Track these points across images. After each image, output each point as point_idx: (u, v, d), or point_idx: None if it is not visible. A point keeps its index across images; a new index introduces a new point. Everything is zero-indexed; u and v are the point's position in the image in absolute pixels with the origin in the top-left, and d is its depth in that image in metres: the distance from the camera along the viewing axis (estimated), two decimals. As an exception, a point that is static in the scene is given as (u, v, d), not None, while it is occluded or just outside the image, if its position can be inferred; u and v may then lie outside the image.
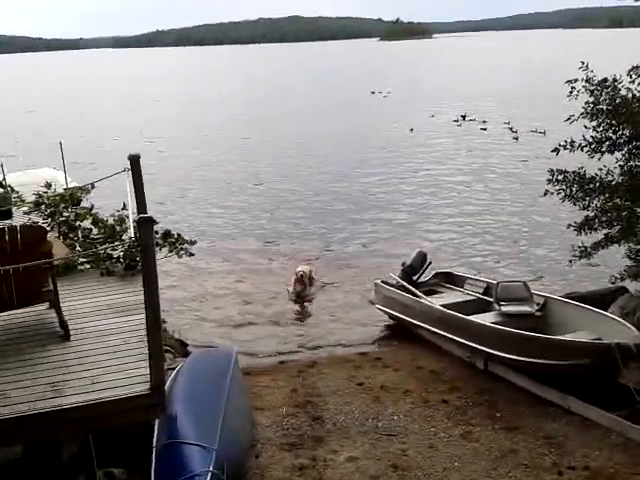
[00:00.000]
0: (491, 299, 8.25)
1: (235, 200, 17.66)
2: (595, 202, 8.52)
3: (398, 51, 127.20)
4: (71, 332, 5.40)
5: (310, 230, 14.71)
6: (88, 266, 7.07)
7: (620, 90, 8.18)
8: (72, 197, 7.98)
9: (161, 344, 4.64)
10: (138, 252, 6.01)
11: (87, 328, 5.55)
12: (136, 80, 71.34)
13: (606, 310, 7.80)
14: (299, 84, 58.02)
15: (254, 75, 73.60)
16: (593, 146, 8.39)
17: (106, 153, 23.54)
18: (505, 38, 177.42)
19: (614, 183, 8.39)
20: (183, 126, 33.15)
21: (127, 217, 7.30)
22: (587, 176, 8.46)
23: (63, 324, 5.42)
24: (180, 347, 8.50)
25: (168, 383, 5.68)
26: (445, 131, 28.24)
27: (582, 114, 8.31)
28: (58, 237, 7.28)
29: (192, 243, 7.47)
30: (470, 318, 7.73)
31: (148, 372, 4.63)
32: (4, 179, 9.77)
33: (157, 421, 5.19)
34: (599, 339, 6.82)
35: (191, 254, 7.46)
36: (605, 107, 8.18)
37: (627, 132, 8.24)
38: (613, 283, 8.84)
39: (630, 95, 8.16)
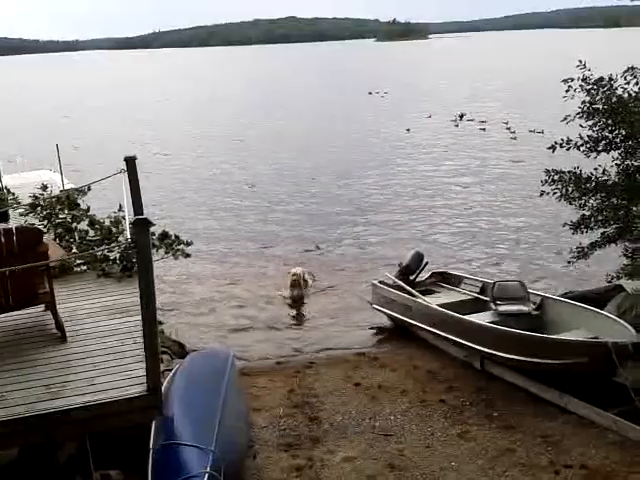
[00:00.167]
0: (487, 298, 8.26)
1: (230, 202, 17.62)
2: (591, 201, 8.54)
3: (395, 52, 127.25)
4: (68, 334, 5.40)
5: (306, 231, 14.70)
6: (85, 268, 7.06)
7: (616, 89, 8.20)
8: (68, 199, 7.97)
9: (158, 345, 4.64)
10: (134, 253, 6.01)
11: (84, 330, 5.55)
12: (133, 82, 71.30)
13: (602, 309, 7.82)
14: (296, 85, 58.05)
15: (251, 76, 73.62)
16: (589, 145, 8.41)
17: (102, 155, 23.52)
18: (501, 38, 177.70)
19: (610, 182, 8.42)
20: (179, 128, 33.14)
21: (123, 218, 7.30)
22: (583, 176, 8.49)
23: (60, 326, 5.41)
24: (177, 349, 8.50)
25: (165, 384, 5.68)
26: (442, 131, 28.27)
27: (578, 113, 8.34)
28: (54, 239, 7.28)
29: (188, 244, 7.45)
30: (467, 318, 7.74)
31: (145, 374, 4.63)
32: (0, 181, 9.76)
33: (154, 422, 5.19)
34: (596, 338, 6.84)
35: (187, 255, 7.45)
36: (601, 106, 8.20)
37: (623, 131, 8.27)
38: (609, 282, 8.86)
39: (626, 95, 8.19)
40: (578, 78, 8.22)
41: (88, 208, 7.90)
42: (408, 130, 28.56)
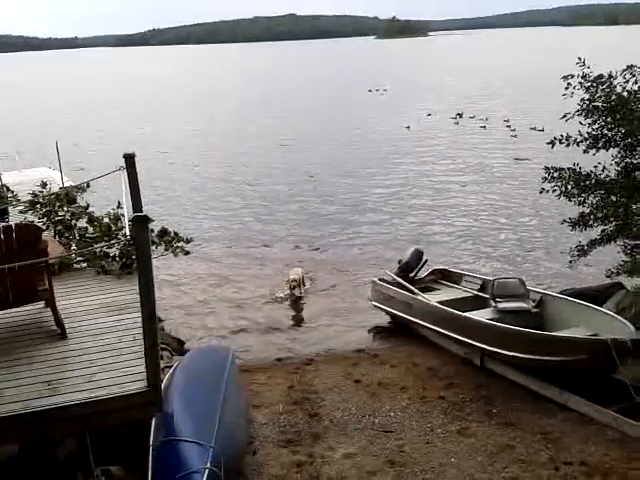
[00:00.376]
0: (487, 296, 8.27)
1: (228, 201, 17.53)
2: (591, 199, 8.53)
3: (394, 49, 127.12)
4: (67, 331, 5.40)
5: (304, 230, 14.68)
6: (84, 265, 7.06)
7: (616, 87, 8.18)
8: (67, 196, 7.96)
9: (157, 342, 4.63)
10: (134, 250, 6.01)
11: (83, 327, 5.54)
12: (133, 79, 71.24)
13: (602, 306, 7.83)
14: (295, 82, 58.01)
15: (249, 74, 73.57)
16: (589, 142, 8.40)
17: (101, 153, 23.51)
18: (501, 35, 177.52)
19: (610, 180, 8.41)
20: (178, 125, 33.11)
21: (123, 216, 7.29)
22: (583, 173, 8.48)
23: (59, 323, 5.41)
24: (177, 345, 8.51)
25: (165, 381, 5.69)
26: (442, 129, 28.25)
27: (578, 111, 8.32)
28: (54, 236, 7.28)
29: (188, 241, 7.44)
30: (466, 315, 7.75)
31: (144, 370, 4.63)
32: (0, 178, 9.74)
33: (154, 419, 5.20)
34: (595, 335, 6.84)
35: (187, 252, 7.44)
36: (601, 104, 8.19)
37: (622, 129, 8.25)
38: (609, 277, 8.86)
39: (625, 93, 8.17)
40: (578, 75, 8.21)
41: (87, 205, 7.90)
42: (408, 127, 28.54)
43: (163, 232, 7.43)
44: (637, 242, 8.52)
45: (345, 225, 14.90)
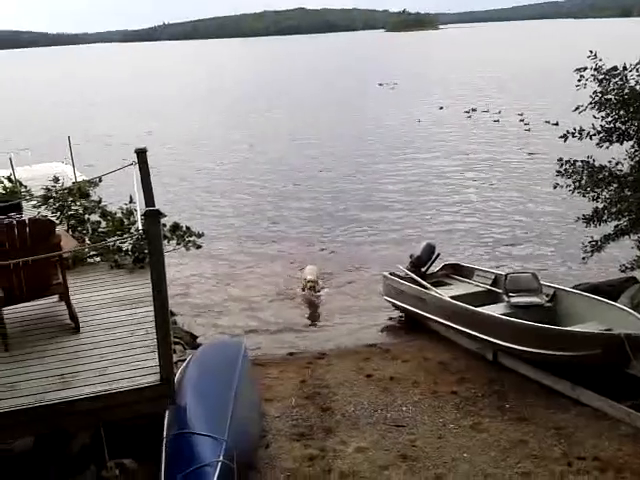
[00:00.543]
0: (500, 290, 8.23)
1: (238, 198, 17.40)
2: (604, 193, 8.46)
3: (404, 43, 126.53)
4: (81, 324, 5.45)
5: (317, 225, 14.68)
6: (98, 259, 7.10)
7: (629, 80, 8.10)
8: (80, 191, 8.01)
9: (169, 336, 4.66)
10: (146, 245, 6.03)
11: (97, 320, 5.59)
12: (143, 74, 71.43)
13: (616, 301, 7.77)
14: (305, 77, 57.92)
15: (259, 68, 73.52)
16: (602, 135, 8.32)
17: (113, 147, 23.61)
18: (513, 29, 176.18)
19: (623, 174, 8.34)
20: (187, 120, 33.13)
21: (135, 210, 7.32)
22: (596, 165, 8.42)
23: (73, 316, 5.46)
24: (190, 339, 8.55)
25: (178, 375, 5.71)
26: (455, 123, 28.07)
27: (590, 104, 8.25)
28: (67, 230, 7.33)
29: (200, 236, 7.47)
30: (479, 310, 7.71)
31: (157, 364, 4.66)
32: (13, 173, 9.81)
33: (167, 412, 5.22)
34: (609, 330, 6.79)
35: (199, 246, 7.47)
36: (613, 97, 8.10)
37: (636, 122, 8.17)
38: (623, 272, 8.79)
39: (639, 86, 8.08)
40: (591, 68, 8.12)
41: (100, 200, 7.94)
42: (419, 121, 28.41)
43: (175, 226, 7.46)
44: (651, 236, 8.45)
45: (356, 221, 14.85)
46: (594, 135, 8.33)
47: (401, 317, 9.32)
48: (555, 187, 8.80)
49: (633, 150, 8.42)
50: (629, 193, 8.28)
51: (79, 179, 9.51)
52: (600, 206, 8.52)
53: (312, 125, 29.54)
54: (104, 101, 43.80)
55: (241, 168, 21.30)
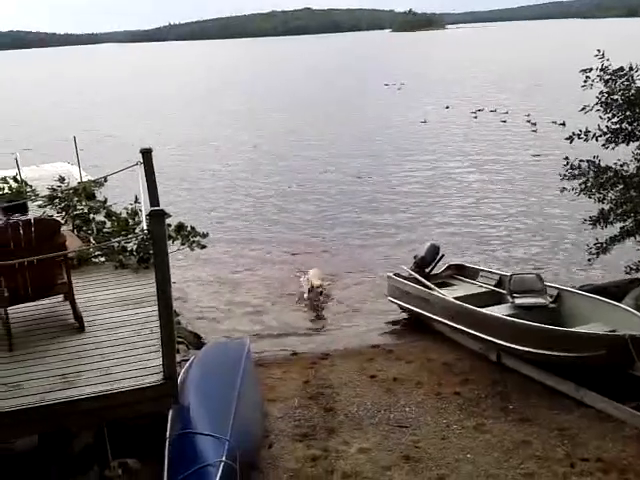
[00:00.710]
0: (504, 291, 8.22)
1: (241, 200, 17.28)
2: (610, 195, 8.44)
3: (410, 43, 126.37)
4: (85, 324, 5.47)
5: (321, 225, 14.68)
6: (103, 259, 7.14)
7: (635, 81, 8.07)
8: (86, 191, 8.05)
9: (173, 335, 4.68)
10: (151, 245, 6.06)
11: (101, 320, 5.62)
12: (151, 74, 71.62)
13: (621, 302, 7.74)
14: (312, 77, 57.93)
15: (266, 68, 73.57)
16: (608, 136, 8.30)
17: (117, 148, 23.67)
18: (520, 28, 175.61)
19: (629, 174, 8.32)
20: (192, 121, 33.19)
21: (140, 210, 7.35)
22: (602, 166, 8.39)
23: (78, 316, 5.48)
24: (193, 339, 8.57)
25: (181, 374, 5.74)
26: (461, 123, 28.01)
27: (596, 104, 8.23)
28: (72, 230, 7.36)
29: (204, 236, 7.49)
30: (483, 310, 7.70)
31: (161, 363, 4.68)
32: (19, 173, 9.87)
33: (170, 412, 5.25)
34: (613, 331, 6.77)
35: (203, 246, 7.49)
36: (620, 97, 8.08)
37: (643, 124, 8.15)
38: (628, 273, 8.77)
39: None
40: (597, 68, 8.10)
41: (105, 200, 7.97)
42: (425, 122, 28.35)
43: (180, 226, 7.49)
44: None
45: (360, 221, 14.83)
46: (600, 136, 8.32)
47: (405, 318, 9.31)
48: (562, 191, 8.78)
49: (639, 151, 8.40)
50: (635, 194, 8.26)
51: (84, 179, 9.55)
52: (606, 207, 8.50)
53: (316, 126, 29.53)
54: (109, 101, 43.93)
55: (245, 169, 21.23)
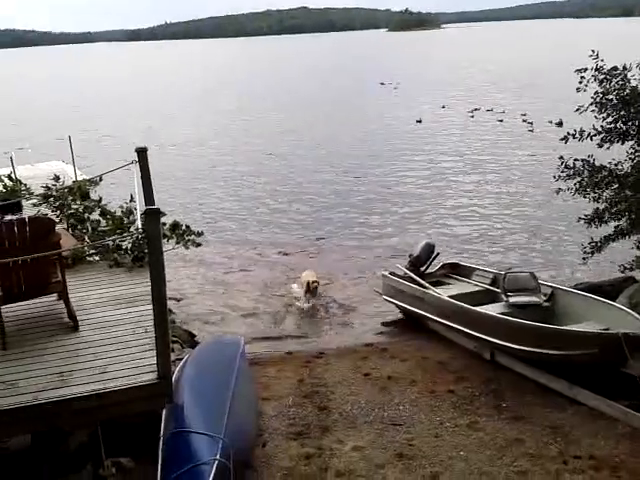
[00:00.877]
0: (499, 290, 8.25)
1: (236, 198, 17.31)
2: (605, 194, 8.48)
3: (406, 42, 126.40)
4: (80, 323, 5.46)
5: (316, 223, 14.72)
6: (97, 258, 7.12)
7: (630, 80, 8.10)
8: (80, 189, 8.03)
9: (168, 334, 4.68)
10: (146, 243, 6.05)
11: (95, 319, 5.60)
12: (145, 73, 71.47)
13: (614, 300, 7.78)
14: (307, 76, 57.91)
15: (262, 67, 73.49)
16: (603, 135, 8.33)
17: (113, 146, 23.63)
18: (516, 28, 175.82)
19: (624, 174, 8.35)
20: (187, 121, 33.14)
21: (135, 209, 7.35)
22: (597, 165, 8.42)
23: (72, 315, 5.47)
24: (188, 338, 8.57)
25: (176, 373, 5.74)
26: (457, 123, 28.05)
27: (591, 104, 8.26)
28: (67, 229, 7.35)
29: (199, 234, 7.49)
30: (477, 309, 7.73)
31: (155, 362, 4.68)
32: (13, 172, 9.83)
33: (165, 410, 5.25)
34: (607, 329, 6.80)
35: (198, 245, 7.49)
36: (614, 97, 8.11)
37: (637, 123, 8.18)
38: (622, 273, 8.81)
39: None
40: (591, 68, 8.13)
41: (100, 199, 7.96)
42: (420, 121, 28.36)
43: (175, 225, 7.49)
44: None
45: (355, 222, 14.86)
46: (594, 136, 8.35)
47: (400, 316, 9.34)
48: (558, 192, 8.81)
49: (633, 150, 8.43)
50: (629, 193, 8.30)
51: (80, 178, 9.53)
52: (601, 207, 8.54)
53: (311, 125, 29.54)
54: (106, 100, 43.83)
55: (240, 170, 21.13)
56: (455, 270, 9.39)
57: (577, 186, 8.52)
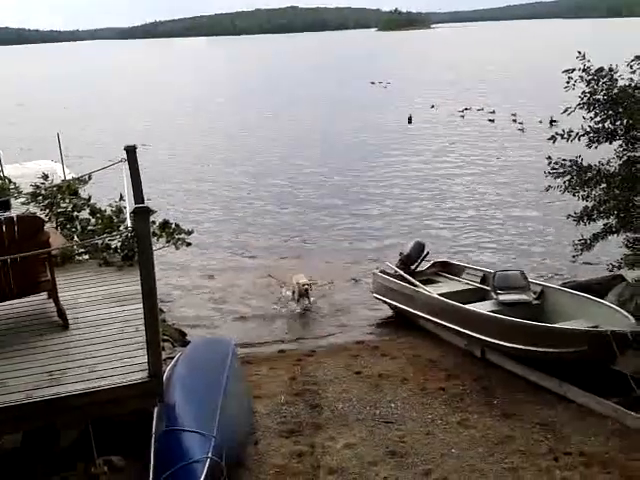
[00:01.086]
0: (488, 288, 8.28)
1: (224, 201, 17.12)
2: (594, 192, 8.53)
3: (396, 42, 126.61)
4: (70, 322, 5.42)
5: (307, 222, 14.70)
6: (86, 257, 7.08)
7: (617, 80, 8.16)
8: (69, 188, 7.97)
9: (158, 332, 4.65)
10: (135, 242, 6.02)
11: (85, 318, 5.57)
12: (135, 72, 71.13)
13: (603, 298, 7.84)
14: (298, 75, 57.87)
15: (251, 66, 73.36)
16: (591, 135, 8.38)
17: (102, 145, 23.49)
18: (505, 28, 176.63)
19: (612, 173, 8.40)
20: (180, 120, 33.03)
21: (124, 208, 7.31)
22: (584, 165, 8.47)
23: (61, 314, 5.44)
24: (179, 337, 8.54)
25: (167, 372, 5.72)
26: (447, 123, 28.11)
27: (579, 104, 8.30)
28: (56, 228, 7.30)
29: (189, 233, 7.45)
30: (468, 307, 7.77)
31: (146, 360, 4.66)
32: (2, 170, 9.77)
33: (156, 409, 5.23)
34: (596, 327, 6.85)
35: (188, 244, 7.45)
36: (602, 97, 8.17)
37: (624, 122, 8.24)
38: (611, 271, 8.87)
39: (630, 85, 8.13)
40: (579, 69, 8.18)
41: (89, 197, 7.91)
42: (410, 121, 28.36)
43: (164, 224, 7.45)
44: (638, 235, 8.52)
45: (348, 216, 14.92)
46: (582, 136, 8.39)
47: (390, 315, 9.36)
48: (547, 189, 8.85)
49: (621, 149, 8.49)
50: (617, 192, 8.35)
51: (68, 176, 9.48)
52: (590, 205, 8.59)
53: (300, 124, 29.51)
54: (99, 99, 43.56)
55: (226, 170, 20.97)
56: (445, 268, 9.43)
57: (566, 184, 8.56)
